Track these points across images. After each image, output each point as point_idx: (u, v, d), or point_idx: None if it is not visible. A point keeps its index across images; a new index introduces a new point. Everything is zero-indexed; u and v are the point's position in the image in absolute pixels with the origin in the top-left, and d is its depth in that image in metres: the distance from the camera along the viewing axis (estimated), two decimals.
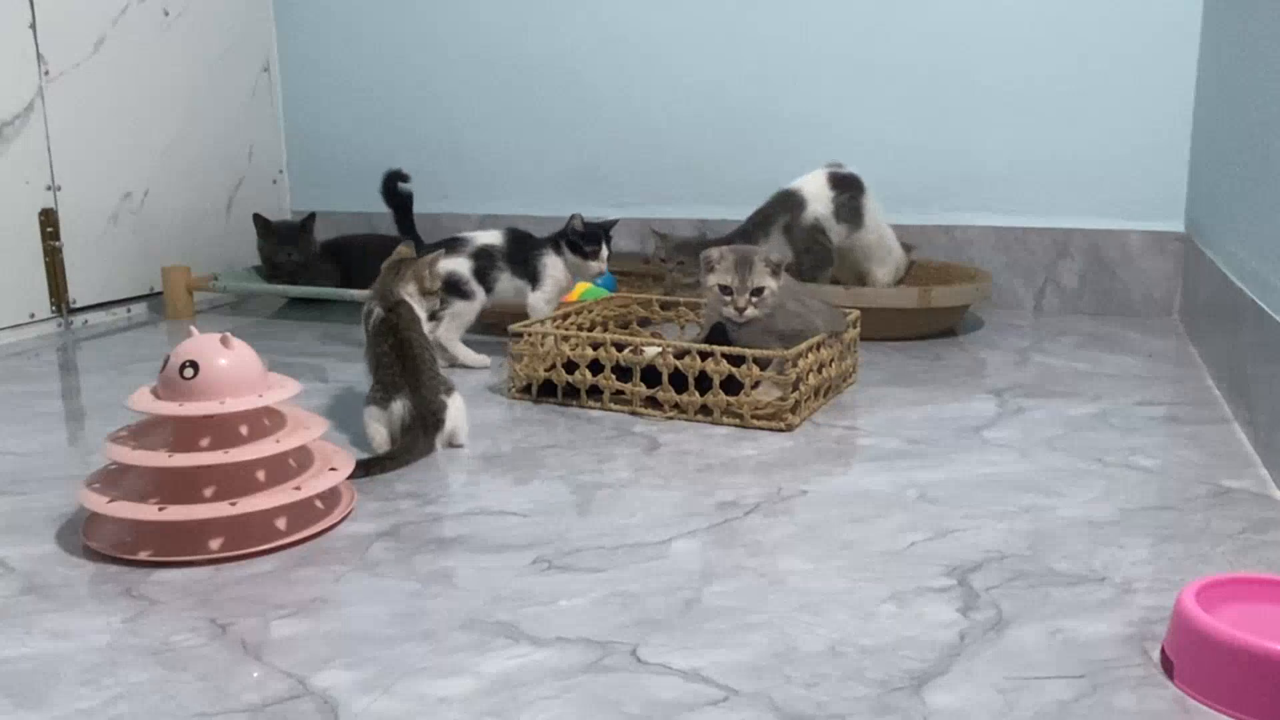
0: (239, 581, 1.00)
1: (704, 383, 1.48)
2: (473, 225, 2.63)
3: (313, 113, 2.74)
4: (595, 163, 2.52)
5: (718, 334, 1.58)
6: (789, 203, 1.96)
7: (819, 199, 1.96)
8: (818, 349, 1.52)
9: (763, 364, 1.46)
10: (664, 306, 1.90)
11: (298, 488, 1.08)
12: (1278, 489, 1.21)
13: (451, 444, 1.38)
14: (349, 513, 1.15)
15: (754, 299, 1.50)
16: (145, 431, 1.11)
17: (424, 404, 1.32)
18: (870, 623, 0.91)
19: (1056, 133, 2.20)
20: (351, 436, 1.41)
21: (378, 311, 1.38)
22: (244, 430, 1.09)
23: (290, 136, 2.77)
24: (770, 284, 1.51)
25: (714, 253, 1.53)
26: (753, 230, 1.97)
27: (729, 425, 1.47)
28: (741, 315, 1.51)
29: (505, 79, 2.56)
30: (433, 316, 1.48)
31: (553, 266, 1.81)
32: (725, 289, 1.51)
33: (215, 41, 2.52)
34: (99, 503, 1.05)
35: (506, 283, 1.80)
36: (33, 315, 2.11)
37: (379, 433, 1.33)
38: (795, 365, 1.44)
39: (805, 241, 1.94)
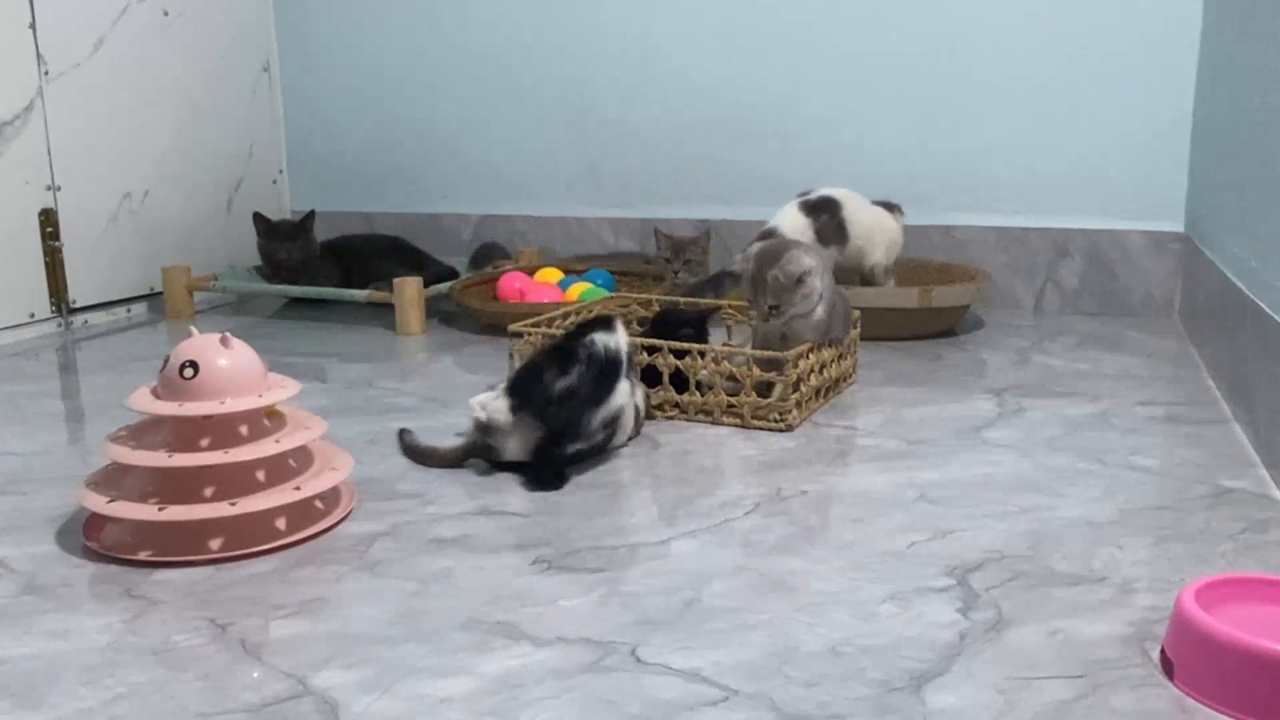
0: (239, 581, 1.00)
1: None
2: (472, 225, 2.63)
3: (313, 113, 2.74)
4: (595, 163, 2.52)
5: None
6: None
7: (795, 231, 1.93)
8: (818, 349, 1.52)
9: (765, 365, 1.46)
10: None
11: (298, 488, 1.08)
12: (1278, 489, 1.21)
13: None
14: (349, 513, 1.15)
15: (772, 313, 1.47)
16: (145, 431, 1.11)
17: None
18: (870, 623, 0.91)
19: (1056, 133, 2.20)
20: (350, 435, 1.41)
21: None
22: (244, 430, 1.09)
23: (290, 136, 2.77)
24: (785, 299, 1.46)
25: (740, 262, 1.51)
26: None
27: (729, 425, 1.47)
28: (767, 323, 1.49)
29: (505, 79, 2.56)
30: None
31: None
32: (749, 300, 1.50)
33: (215, 41, 2.52)
34: (99, 503, 1.05)
35: None
36: (33, 315, 2.11)
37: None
38: (796, 366, 1.44)
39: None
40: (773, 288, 1.45)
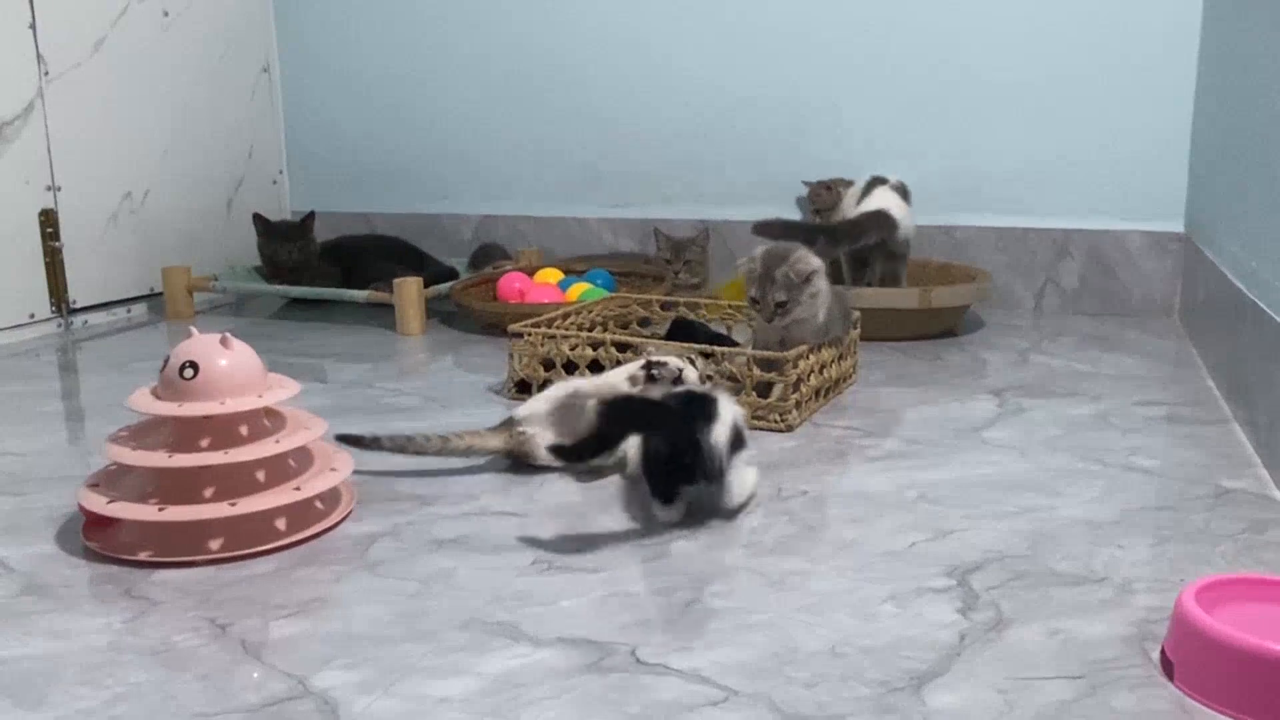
0: (239, 581, 1.00)
1: None
2: (472, 225, 2.63)
3: (313, 113, 2.74)
4: (595, 163, 2.52)
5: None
6: (883, 223, 1.96)
7: (906, 216, 2.01)
8: (818, 350, 1.52)
9: (765, 365, 1.46)
10: (664, 306, 1.90)
11: (298, 488, 1.08)
12: (1278, 489, 1.21)
13: None
14: (349, 513, 1.15)
15: (779, 311, 1.48)
16: (145, 432, 1.11)
17: None
18: (870, 623, 0.91)
19: (1056, 133, 2.20)
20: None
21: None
22: (244, 430, 1.09)
23: (290, 136, 2.77)
24: (794, 296, 1.46)
25: (744, 263, 1.51)
26: (840, 239, 1.95)
27: None
28: (771, 324, 1.49)
29: (505, 79, 2.56)
30: None
31: None
32: (753, 300, 1.50)
33: (215, 41, 2.52)
34: (99, 503, 1.05)
35: None
36: (33, 315, 2.11)
37: None
38: (796, 366, 1.44)
39: (906, 255, 2.04)
40: (782, 284, 1.46)
